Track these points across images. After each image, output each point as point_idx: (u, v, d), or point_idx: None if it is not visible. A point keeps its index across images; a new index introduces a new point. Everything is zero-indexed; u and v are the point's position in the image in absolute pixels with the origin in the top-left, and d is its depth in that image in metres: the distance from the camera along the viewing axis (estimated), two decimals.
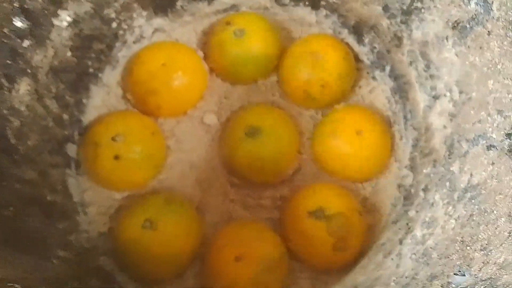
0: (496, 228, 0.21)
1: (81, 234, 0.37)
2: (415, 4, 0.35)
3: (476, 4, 0.29)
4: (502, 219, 0.21)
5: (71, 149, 0.41)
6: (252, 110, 0.43)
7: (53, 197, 0.36)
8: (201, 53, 0.47)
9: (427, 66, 0.36)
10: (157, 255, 0.37)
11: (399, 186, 0.41)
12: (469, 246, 0.23)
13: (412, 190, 0.38)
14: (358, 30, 0.44)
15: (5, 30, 0.33)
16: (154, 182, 0.43)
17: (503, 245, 0.21)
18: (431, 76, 0.36)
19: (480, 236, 0.22)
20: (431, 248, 0.27)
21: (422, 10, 0.34)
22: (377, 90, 0.46)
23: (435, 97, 0.35)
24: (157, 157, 0.42)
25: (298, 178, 0.43)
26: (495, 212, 0.22)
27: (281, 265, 0.37)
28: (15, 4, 0.33)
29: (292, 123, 0.44)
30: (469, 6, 0.29)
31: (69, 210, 0.37)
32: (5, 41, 0.33)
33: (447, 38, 0.32)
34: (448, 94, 0.33)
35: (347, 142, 0.41)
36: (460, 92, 0.31)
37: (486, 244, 0.21)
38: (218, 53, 0.45)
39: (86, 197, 0.41)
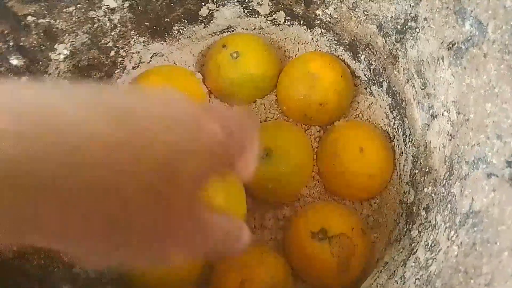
0: (499, 262, 0.21)
1: None
2: (409, 24, 0.35)
3: (471, 25, 0.29)
4: (505, 253, 0.21)
5: None
6: (266, 129, 0.43)
7: None
8: (199, 75, 0.47)
9: (424, 85, 0.36)
10: (164, 280, 0.37)
11: (401, 202, 0.41)
12: (472, 279, 0.22)
13: (414, 208, 0.37)
14: (353, 48, 0.44)
15: (1, 69, 0.33)
16: None
17: (507, 282, 0.20)
18: (428, 95, 0.36)
19: (483, 270, 0.22)
20: (434, 275, 0.27)
21: (417, 30, 0.34)
22: (375, 106, 0.46)
23: (433, 116, 0.35)
24: None
25: (301, 199, 0.43)
26: (498, 244, 0.22)
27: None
28: (10, 43, 0.33)
29: (307, 140, 0.44)
30: (463, 28, 0.29)
31: None
32: (1, 80, 0.33)
33: (442, 58, 0.32)
34: (446, 113, 0.33)
35: (350, 160, 0.41)
36: (458, 113, 0.31)
37: (490, 279, 0.21)
38: (215, 76, 0.45)
39: None
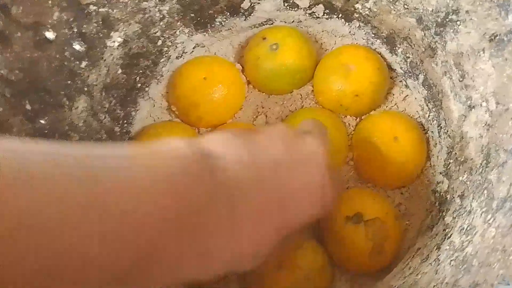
0: None
1: None
2: (450, 17, 0.36)
3: None
4: None
5: None
6: (302, 114, 0.45)
7: None
8: (239, 66, 0.49)
9: (462, 77, 0.37)
10: None
11: (434, 192, 0.42)
12: (511, 256, 0.24)
13: (448, 196, 0.39)
14: (390, 41, 0.45)
15: (66, 54, 0.36)
16: None
17: None
18: (466, 86, 0.37)
19: None
20: (470, 255, 0.28)
21: (458, 23, 0.35)
22: (410, 98, 0.47)
23: (470, 107, 0.36)
24: None
25: None
26: None
27: (322, 274, 0.39)
28: (74, 30, 0.36)
29: (343, 126, 0.45)
30: (506, 20, 0.30)
31: None
32: (65, 63, 0.36)
33: (483, 50, 0.33)
34: (484, 104, 0.34)
35: (384, 148, 0.42)
36: (497, 103, 0.32)
37: None
38: (254, 67, 0.47)
39: None
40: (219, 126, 0.47)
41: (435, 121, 0.43)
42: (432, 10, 0.37)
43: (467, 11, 0.34)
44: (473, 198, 0.33)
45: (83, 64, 0.38)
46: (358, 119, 0.47)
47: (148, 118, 0.48)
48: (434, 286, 0.29)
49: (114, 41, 0.40)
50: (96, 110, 0.40)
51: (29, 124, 0.31)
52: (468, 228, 0.31)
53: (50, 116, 0.34)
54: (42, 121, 0.33)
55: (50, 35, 0.33)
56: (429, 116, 0.44)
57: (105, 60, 0.40)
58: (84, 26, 0.36)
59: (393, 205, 0.43)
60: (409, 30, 0.42)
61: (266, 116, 0.48)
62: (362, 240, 0.39)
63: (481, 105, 0.34)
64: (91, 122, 0.40)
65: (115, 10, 0.38)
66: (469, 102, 0.36)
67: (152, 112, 0.48)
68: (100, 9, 0.37)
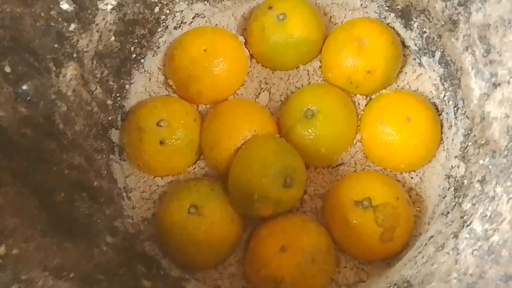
0: None
1: (126, 219, 0.37)
2: None
3: None
4: None
5: (115, 135, 0.41)
6: (312, 89, 0.42)
7: (99, 182, 0.36)
8: (242, 39, 0.46)
9: (487, 51, 0.34)
10: (201, 240, 0.37)
11: (448, 176, 0.39)
12: None
13: (465, 181, 0.36)
14: (406, 14, 0.42)
15: (53, 13, 0.32)
16: (195, 168, 0.43)
17: None
18: (491, 62, 0.34)
19: None
20: (498, 245, 0.26)
21: None
22: (424, 77, 0.44)
23: (495, 84, 0.33)
24: (198, 143, 0.42)
25: (341, 166, 0.42)
26: None
27: (326, 257, 0.37)
28: None
29: (352, 105, 0.42)
30: None
31: (114, 195, 0.37)
32: (52, 24, 0.33)
33: None
34: None
35: (396, 129, 0.39)
36: None
37: None
38: (259, 38, 0.44)
39: (129, 183, 0.41)
40: (220, 102, 0.44)
41: (451, 102, 0.40)
42: None
43: None
44: (496, 183, 0.30)
45: (72, 26, 0.34)
46: (368, 98, 0.44)
47: (144, 92, 0.45)
48: (455, 277, 0.27)
49: (107, 4, 0.36)
50: (87, 79, 0.37)
51: (9, 88, 0.28)
52: (493, 216, 0.29)
53: (34, 82, 0.30)
54: (25, 87, 0.29)
55: None
56: (444, 96, 0.42)
57: (97, 24, 0.36)
58: None
59: (404, 189, 0.41)
60: (428, 1, 0.39)
61: (270, 92, 0.45)
62: (371, 225, 0.36)
63: (508, 82, 0.31)
64: (81, 92, 0.36)
65: None
66: (493, 79, 0.33)
67: (148, 86, 0.45)
68: None
